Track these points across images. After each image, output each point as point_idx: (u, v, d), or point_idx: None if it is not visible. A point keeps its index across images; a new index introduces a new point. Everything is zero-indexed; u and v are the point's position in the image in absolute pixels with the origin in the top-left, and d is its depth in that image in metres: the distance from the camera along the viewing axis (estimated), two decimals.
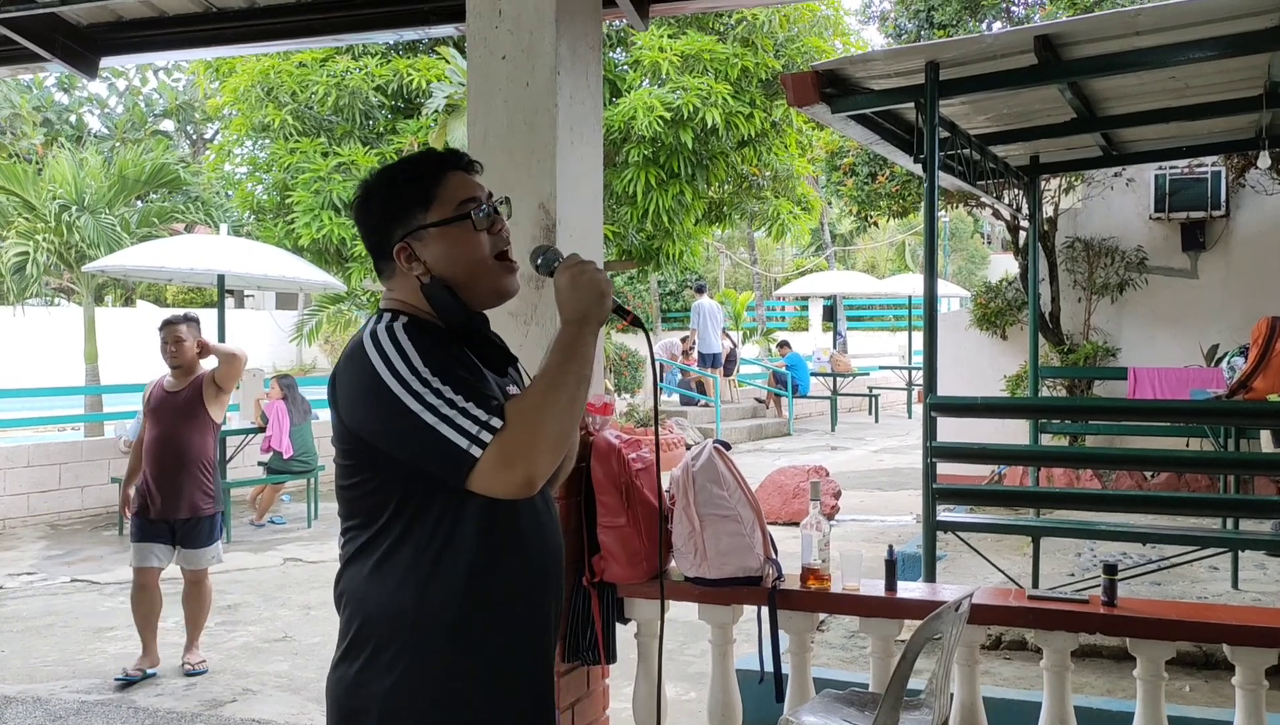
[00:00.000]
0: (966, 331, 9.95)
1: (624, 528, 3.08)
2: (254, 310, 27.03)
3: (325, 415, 10.61)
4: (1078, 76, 4.92)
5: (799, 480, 9.04)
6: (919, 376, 14.98)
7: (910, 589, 3.20)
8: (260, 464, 9.43)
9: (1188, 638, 2.96)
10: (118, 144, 24.19)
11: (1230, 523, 5.76)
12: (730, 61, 10.82)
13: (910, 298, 19.83)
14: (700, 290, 18.63)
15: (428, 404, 1.64)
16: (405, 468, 1.69)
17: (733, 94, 10.78)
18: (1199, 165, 8.79)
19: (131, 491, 5.40)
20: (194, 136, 30.58)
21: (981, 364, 9.53)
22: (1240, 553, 5.67)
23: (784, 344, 18.33)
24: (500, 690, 1.76)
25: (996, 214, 9.15)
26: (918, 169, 5.39)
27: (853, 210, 11.31)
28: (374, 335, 1.73)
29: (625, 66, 11.60)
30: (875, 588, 3.11)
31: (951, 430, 4.99)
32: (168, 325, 5.41)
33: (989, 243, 32.95)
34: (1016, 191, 7.74)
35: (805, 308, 29.34)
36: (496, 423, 1.63)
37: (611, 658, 3.20)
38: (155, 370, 5.56)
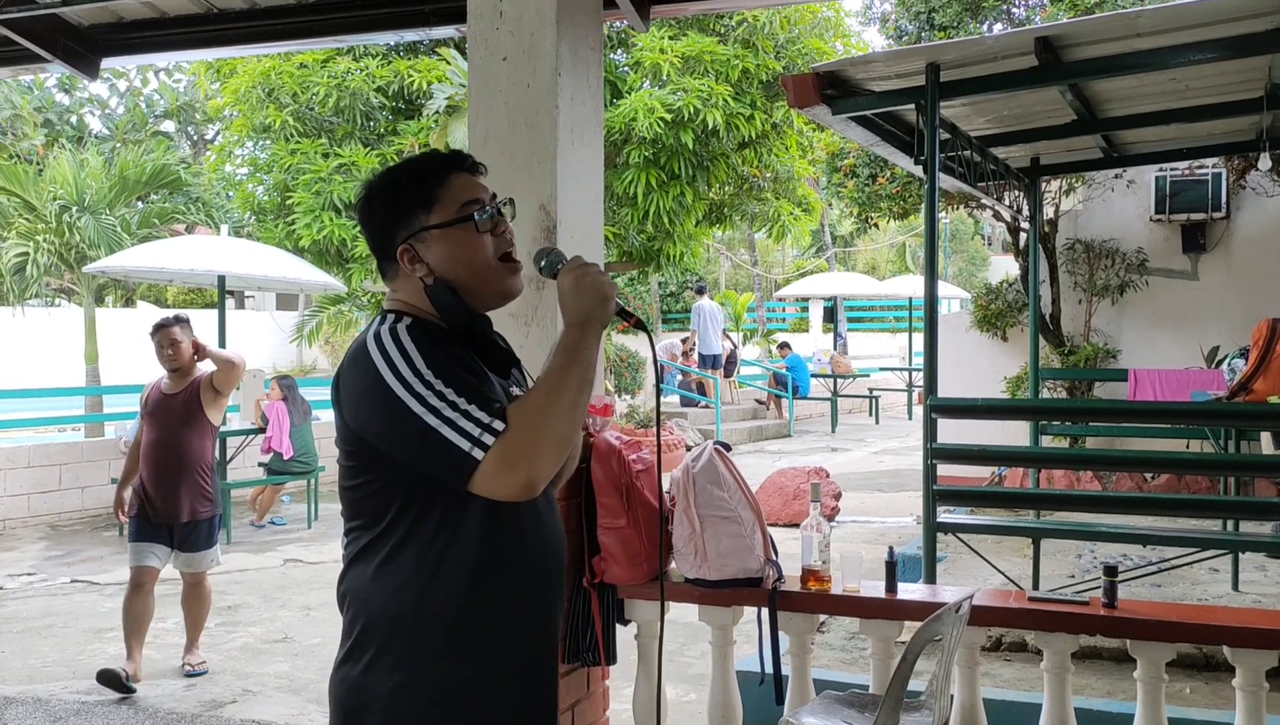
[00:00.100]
0: (967, 333, 9.95)
1: (624, 529, 3.09)
2: (254, 311, 27.03)
3: (325, 416, 10.62)
4: (1078, 78, 4.92)
5: (799, 482, 9.04)
6: (919, 378, 14.98)
7: (910, 590, 3.20)
8: (260, 465, 9.43)
9: (1188, 639, 2.96)
10: (118, 145, 24.20)
11: (1230, 524, 5.76)
12: (731, 63, 10.82)
13: (911, 299, 19.82)
14: (701, 291, 18.63)
15: (430, 406, 1.64)
16: (408, 469, 1.69)
17: (733, 95, 10.78)
18: (1199, 167, 8.79)
19: (126, 494, 5.36)
20: (195, 137, 30.59)
21: (982, 365, 9.52)
22: (1240, 554, 5.67)
23: (784, 345, 18.33)
24: (500, 690, 1.76)
25: (997, 216, 9.15)
26: (918, 170, 5.39)
27: (853, 212, 11.31)
28: (377, 337, 1.73)
29: (626, 68, 11.60)
30: (875, 589, 3.11)
31: (952, 432, 4.99)
32: (161, 329, 5.35)
33: (989, 244, 32.95)
34: (1017, 193, 7.74)
35: (806, 309, 29.34)
36: (499, 425, 1.63)
37: (611, 659, 3.20)
38: (155, 371, 5.54)
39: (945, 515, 4.80)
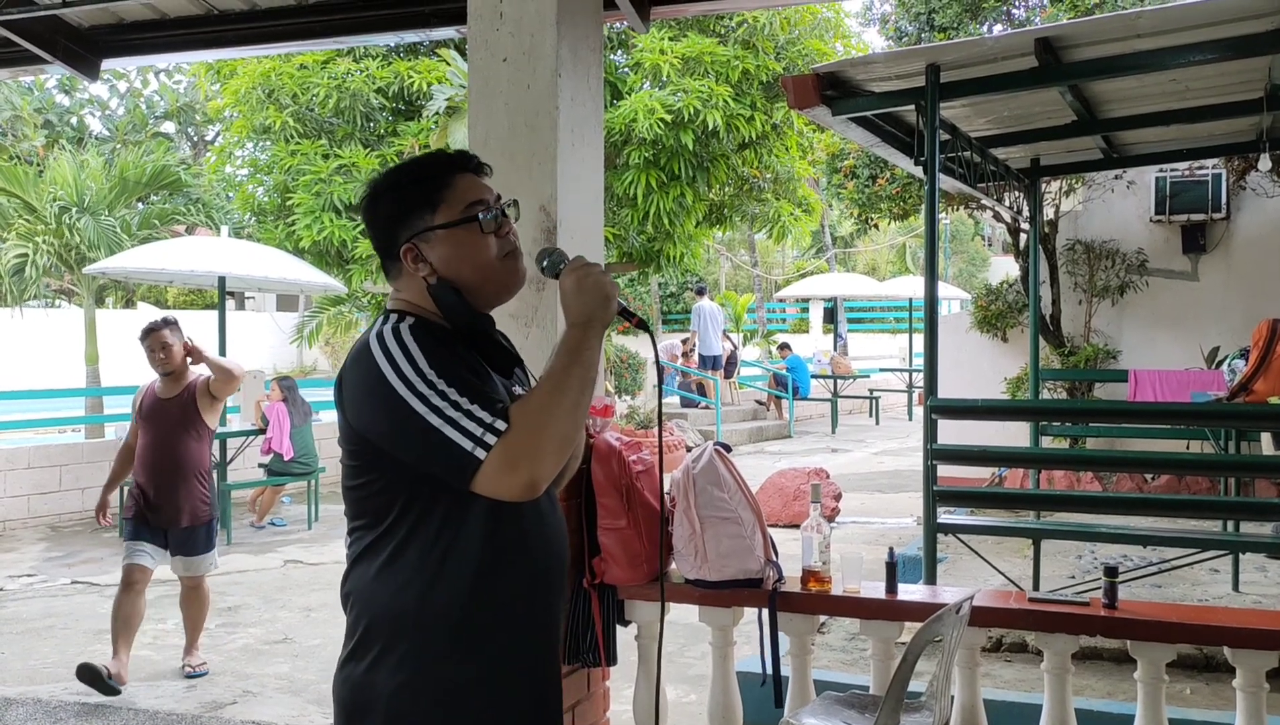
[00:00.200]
0: (967, 334, 9.95)
1: (624, 530, 3.09)
2: (255, 312, 27.04)
3: (326, 417, 10.62)
4: (1078, 79, 4.92)
5: (799, 482, 9.04)
6: (919, 379, 14.99)
7: (911, 591, 3.20)
8: (260, 466, 9.43)
9: (1188, 640, 2.96)
10: (119, 146, 24.20)
11: (1231, 525, 5.76)
12: (731, 64, 10.82)
13: (911, 300, 19.81)
14: (701, 292, 18.63)
15: (432, 406, 1.64)
16: (411, 469, 1.70)
17: (733, 96, 10.79)
18: (1199, 168, 8.79)
19: (111, 497, 5.29)
20: (195, 138, 30.60)
21: (982, 366, 9.53)
22: (1241, 555, 5.67)
23: (784, 346, 18.33)
24: (502, 690, 1.76)
25: (997, 216, 9.14)
26: (918, 171, 5.39)
27: (853, 213, 11.31)
28: (380, 337, 1.73)
29: (626, 69, 11.61)
30: (876, 590, 3.11)
31: (952, 432, 4.99)
32: (151, 332, 5.23)
33: (989, 245, 32.96)
34: (1017, 194, 7.74)
35: (806, 310, 29.34)
36: (501, 425, 1.63)
37: (612, 660, 3.20)
38: (154, 373, 5.50)
39: (945, 516, 4.80)
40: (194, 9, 4.50)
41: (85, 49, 4.75)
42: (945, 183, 6.01)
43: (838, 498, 9.14)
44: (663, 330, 26.63)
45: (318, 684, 5.08)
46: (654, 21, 4.13)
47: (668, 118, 10.43)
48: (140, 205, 16.02)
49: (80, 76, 4.86)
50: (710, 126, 10.58)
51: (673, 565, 3.23)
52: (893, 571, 3.13)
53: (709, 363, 17.01)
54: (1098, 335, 9.30)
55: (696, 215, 11.90)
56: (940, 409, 4.57)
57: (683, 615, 3.44)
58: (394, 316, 1.79)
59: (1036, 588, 5.43)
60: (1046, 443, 7.21)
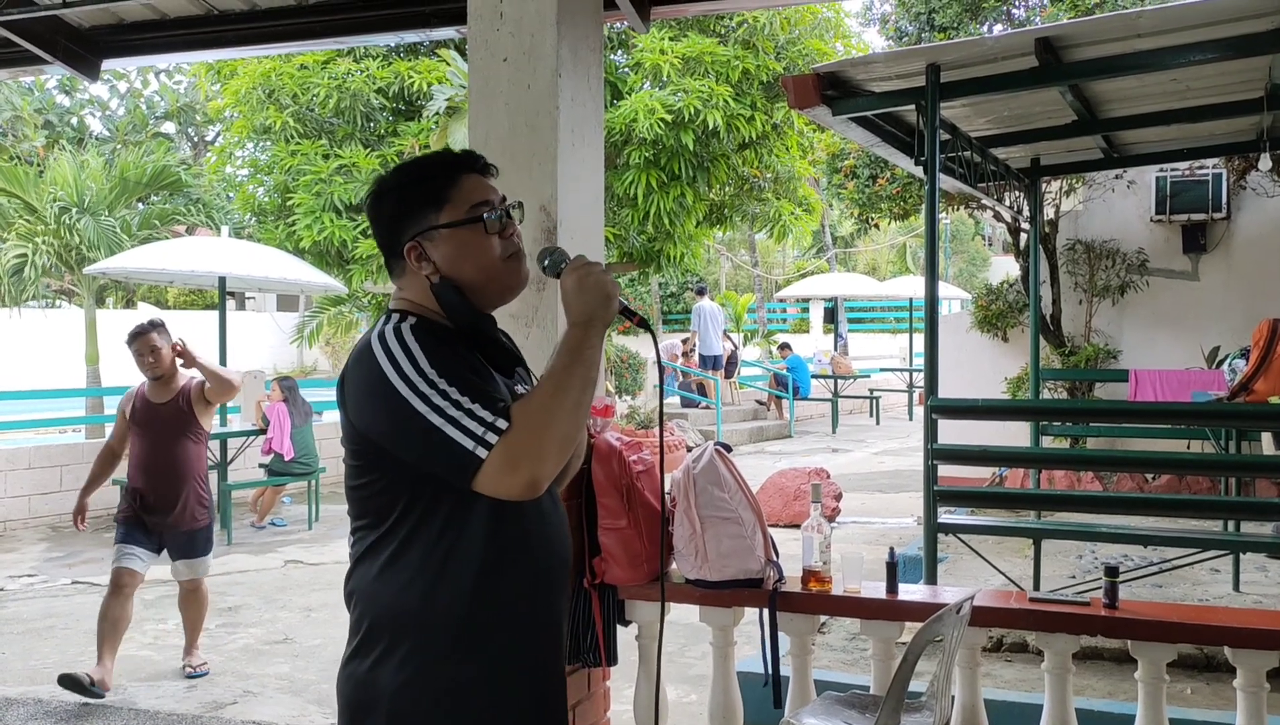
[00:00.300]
0: (967, 333, 9.95)
1: (625, 530, 3.09)
2: (255, 312, 27.04)
3: (326, 417, 10.62)
4: (1078, 79, 4.92)
5: (800, 482, 9.04)
6: (920, 378, 14.98)
7: (911, 591, 3.19)
8: (261, 466, 9.43)
9: (1189, 640, 2.96)
10: (119, 146, 24.21)
11: (1231, 525, 5.75)
12: (731, 64, 10.83)
13: (911, 300, 19.81)
14: (701, 292, 18.63)
15: (434, 405, 1.65)
16: (413, 469, 1.70)
17: (734, 96, 10.79)
18: (1200, 167, 8.79)
19: (89, 500, 5.19)
20: (195, 139, 30.61)
21: (982, 366, 9.52)
22: (1241, 555, 5.67)
23: (785, 346, 18.32)
24: (503, 690, 1.76)
25: (997, 216, 9.14)
26: (918, 171, 5.39)
27: (854, 213, 11.31)
28: (381, 336, 1.74)
29: (626, 69, 11.61)
30: (876, 590, 3.11)
31: (952, 432, 4.99)
32: (138, 336, 5.10)
33: (990, 245, 32.96)
34: (1017, 194, 7.73)
35: (806, 310, 29.35)
36: (502, 424, 1.64)
37: (612, 660, 3.20)
38: None
39: (946, 516, 4.79)
40: (194, 9, 4.50)
41: (85, 49, 4.75)
42: (945, 182, 6.01)
43: (838, 498, 9.14)
44: (663, 330, 26.63)
45: (318, 684, 5.08)
46: (654, 21, 4.13)
47: (668, 118, 10.43)
48: (140, 205, 16.03)
49: (80, 77, 4.86)
50: (710, 126, 10.58)
51: (673, 565, 3.23)
52: (893, 571, 3.13)
53: (709, 363, 17.01)
54: (1098, 335, 9.30)
55: (697, 215, 11.90)
56: (941, 409, 4.57)
57: (683, 615, 3.44)
58: (396, 316, 1.79)
59: (1037, 587, 5.43)
60: (1047, 443, 7.21)
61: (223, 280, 9.59)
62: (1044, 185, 7.91)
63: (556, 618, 1.89)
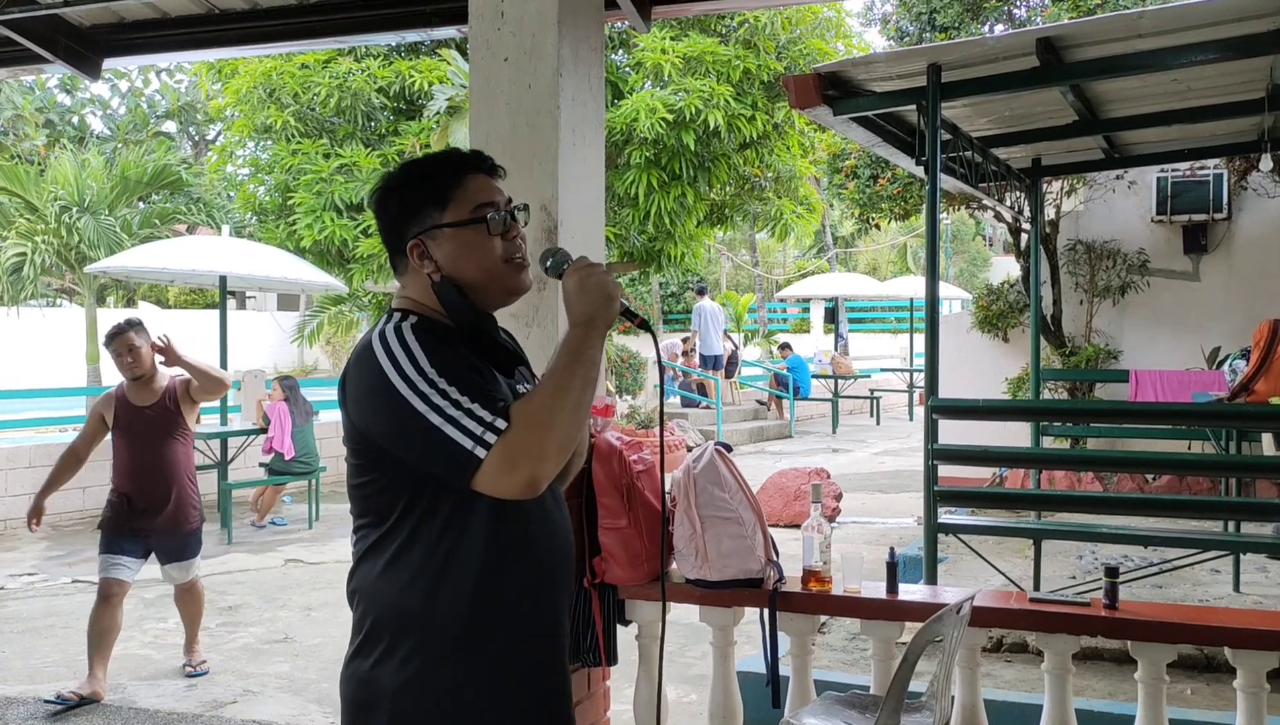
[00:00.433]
0: (968, 334, 9.95)
1: (625, 529, 3.08)
2: (255, 311, 27.05)
3: (327, 416, 10.62)
4: (1079, 79, 4.91)
5: (800, 482, 9.04)
6: (920, 379, 14.97)
7: (911, 591, 3.19)
8: (262, 465, 9.43)
9: (1189, 640, 2.96)
10: (120, 145, 24.22)
11: (1232, 525, 5.75)
12: (732, 63, 10.82)
13: (912, 300, 19.82)
14: (702, 292, 18.63)
15: (433, 405, 1.65)
16: (413, 468, 1.71)
17: (735, 96, 10.79)
18: (1201, 168, 8.78)
19: (47, 503, 5.07)
20: (196, 138, 30.62)
21: (983, 366, 9.52)
22: (1242, 555, 5.66)
23: (785, 346, 18.32)
24: (504, 690, 1.77)
25: (998, 216, 9.14)
26: (919, 171, 5.39)
27: (854, 213, 11.30)
28: (382, 336, 1.74)
29: (627, 68, 11.61)
30: (876, 590, 3.11)
31: (953, 432, 4.99)
32: (116, 336, 4.96)
33: (990, 245, 32.96)
34: (1018, 194, 7.74)
35: (807, 310, 29.34)
36: (501, 424, 1.64)
37: (612, 659, 3.20)
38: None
39: (946, 516, 4.79)
40: (195, 8, 4.50)
41: (86, 48, 4.75)
42: (946, 183, 6.00)
43: (838, 498, 9.14)
44: (663, 330, 26.63)
45: (318, 683, 5.08)
46: (655, 21, 4.13)
47: (669, 117, 10.43)
48: (141, 204, 16.04)
49: (81, 76, 4.85)
50: (711, 126, 10.58)
51: (673, 565, 3.23)
52: (893, 571, 3.13)
53: (710, 362, 17.01)
54: (1099, 335, 9.30)
55: (697, 215, 11.90)
56: (941, 409, 4.57)
57: (683, 615, 3.44)
58: (397, 315, 1.79)
59: (1037, 588, 5.43)
60: (1047, 443, 7.20)
61: (223, 279, 9.59)
62: (1045, 185, 7.91)
63: (560, 617, 1.89)
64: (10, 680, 5.21)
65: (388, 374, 1.68)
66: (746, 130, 11.01)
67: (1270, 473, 5.69)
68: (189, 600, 5.29)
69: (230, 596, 6.79)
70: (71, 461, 5.19)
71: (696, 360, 17.16)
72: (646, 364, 16.01)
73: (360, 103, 11.60)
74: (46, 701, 4.72)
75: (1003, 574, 5.29)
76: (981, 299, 10.23)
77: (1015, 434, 7.60)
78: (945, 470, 4.66)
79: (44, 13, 4.36)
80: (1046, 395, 8.57)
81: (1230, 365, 6.34)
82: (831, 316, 25.99)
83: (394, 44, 11.53)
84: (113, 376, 14.80)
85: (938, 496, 4.47)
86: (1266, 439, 5.92)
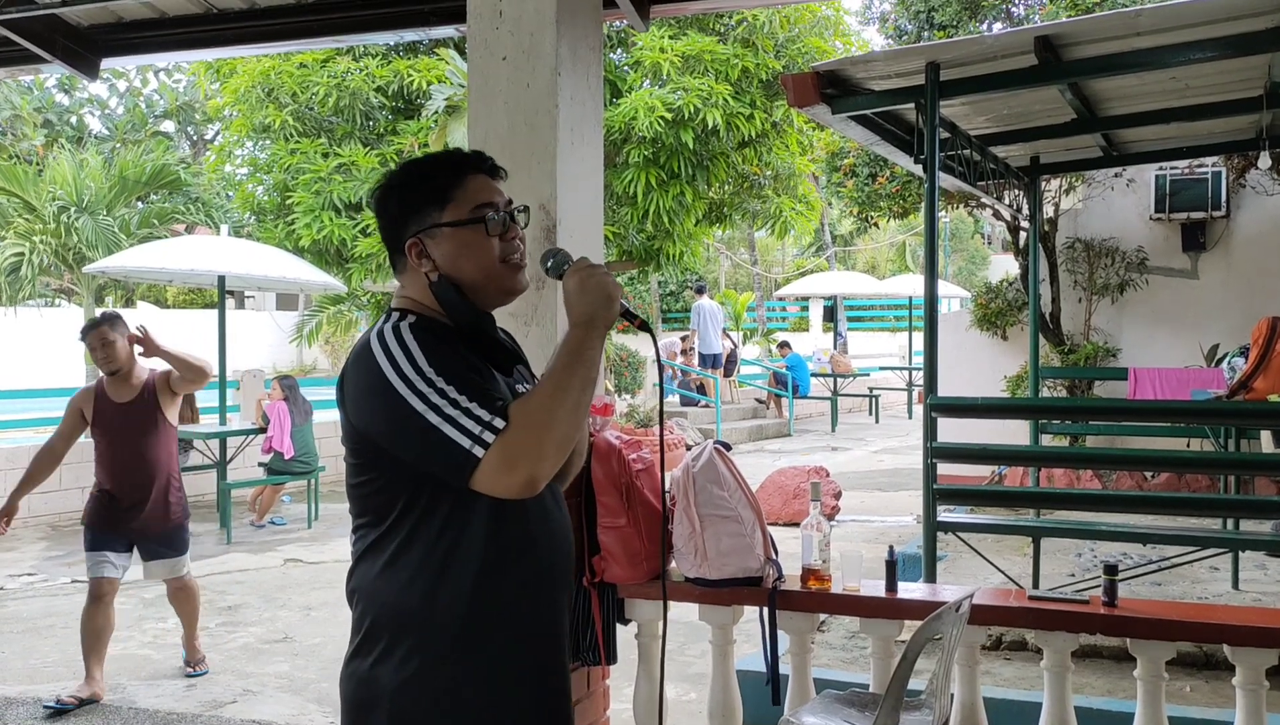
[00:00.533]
0: (967, 332, 9.95)
1: (624, 528, 3.09)
2: (254, 311, 27.04)
3: (326, 416, 10.61)
4: (1078, 77, 4.92)
5: (799, 481, 9.04)
6: (919, 377, 14.98)
7: (910, 589, 3.19)
8: (261, 465, 9.43)
9: (1188, 638, 2.96)
10: (118, 145, 24.21)
11: (1230, 523, 5.76)
12: (731, 62, 10.82)
13: (910, 298, 19.82)
14: (700, 291, 18.64)
15: (432, 404, 1.65)
16: (412, 467, 1.71)
17: (733, 94, 10.78)
18: (1199, 166, 8.79)
19: (20, 503, 4.97)
20: (194, 137, 30.60)
21: (982, 364, 9.53)
22: (1240, 553, 5.67)
23: (784, 344, 18.33)
24: (502, 689, 1.77)
25: (997, 215, 9.15)
26: (918, 170, 5.39)
27: (853, 211, 11.31)
28: (380, 335, 1.74)
29: (626, 67, 11.60)
30: (876, 588, 3.11)
31: (952, 431, 4.99)
32: (90, 330, 4.89)
33: (989, 243, 32.94)
34: (1017, 192, 7.74)
35: (806, 308, 29.35)
36: (500, 423, 1.64)
37: (612, 658, 3.20)
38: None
39: (945, 514, 4.80)
40: (193, 8, 4.50)
41: (84, 48, 4.74)
42: (945, 181, 6.01)
43: (838, 496, 9.15)
44: (662, 328, 26.62)
45: (318, 683, 5.08)
46: (653, 20, 4.13)
47: (668, 116, 10.42)
48: (140, 204, 16.03)
49: (80, 75, 4.84)
50: (710, 125, 10.58)
51: (672, 564, 3.23)
52: (892, 570, 3.13)
53: (709, 361, 17.01)
54: (1097, 333, 9.30)
55: (696, 213, 11.90)
56: (940, 407, 4.57)
57: (682, 614, 3.44)
58: (395, 315, 1.79)
59: (1036, 586, 5.43)
60: (1046, 441, 7.21)
61: (222, 279, 9.59)
62: (1043, 183, 7.91)
63: (559, 617, 1.88)
64: (10, 680, 5.21)
65: (386, 373, 1.69)
66: (745, 129, 11.01)
67: (1269, 470, 5.69)
68: (184, 599, 5.24)
69: (230, 596, 6.79)
70: (49, 459, 5.13)
71: (695, 359, 17.16)
72: (645, 363, 16.01)
73: (359, 102, 11.60)
74: (46, 706, 4.70)
75: (1002, 572, 5.29)
76: (980, 297, 10.23)
77: (1014, 432, 7.61)
78: (944, 468, 4.67)
79: (42, 12, 4.35)
80: (1045, 393, 8.58)
81: (1229, 363, 6.35)
82: (830, 315, 26.01)
83: (392, 43, 11.51)
84: None
85: (937, 494, 4.48)
86: (1265, 436, 5.93)
